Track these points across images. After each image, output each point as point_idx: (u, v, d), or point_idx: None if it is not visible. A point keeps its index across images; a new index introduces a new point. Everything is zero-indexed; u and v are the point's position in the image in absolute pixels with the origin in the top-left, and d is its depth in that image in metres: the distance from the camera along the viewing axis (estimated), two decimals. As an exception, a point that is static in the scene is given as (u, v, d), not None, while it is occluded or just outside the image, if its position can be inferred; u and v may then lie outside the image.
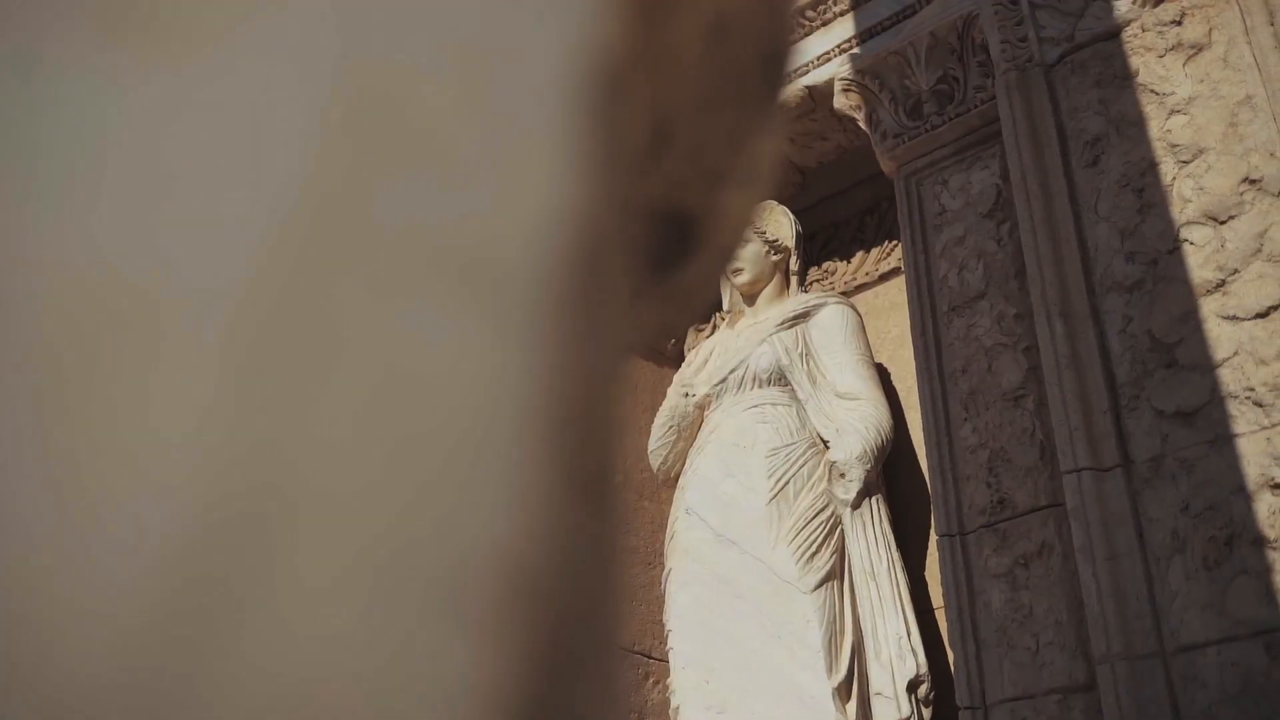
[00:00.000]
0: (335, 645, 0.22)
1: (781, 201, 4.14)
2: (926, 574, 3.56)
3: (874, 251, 4.18)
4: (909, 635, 3.20)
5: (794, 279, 3.92)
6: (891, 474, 3.68)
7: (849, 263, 4.27)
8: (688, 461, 3.74)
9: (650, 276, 0.71)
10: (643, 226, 0.69)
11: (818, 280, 4.31)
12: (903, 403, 3.79)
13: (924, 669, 3.16)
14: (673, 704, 3.46)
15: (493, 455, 0.26)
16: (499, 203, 0.29)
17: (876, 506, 3.40)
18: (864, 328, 3.78)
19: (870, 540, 3.34)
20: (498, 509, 0.25)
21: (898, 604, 3.25)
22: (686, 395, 3.80)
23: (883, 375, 3.86)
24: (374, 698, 0.22)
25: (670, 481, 3.84)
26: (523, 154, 0.31)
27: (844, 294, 4.15)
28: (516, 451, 0.26)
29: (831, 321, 3.70)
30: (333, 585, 0.23)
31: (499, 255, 0.29)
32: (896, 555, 3.36)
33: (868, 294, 4.15)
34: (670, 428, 3.83)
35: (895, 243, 3.95)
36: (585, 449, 0.39)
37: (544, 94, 0.32)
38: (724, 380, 3.72)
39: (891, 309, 4.01)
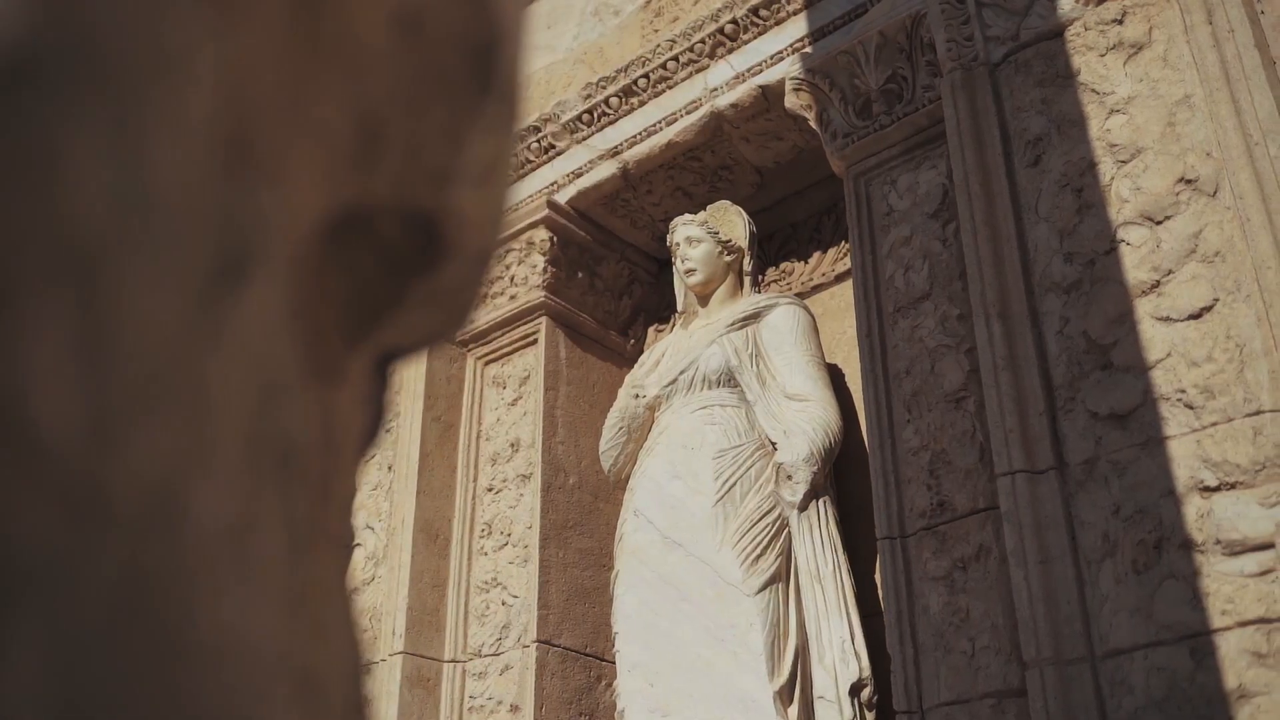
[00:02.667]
0: None
1: (739, 202, 4.13)
2: (877, 576, 3.53)
3: (830, 252, 4.16)
4: (852, 638, 3.18)
5: (747, 279, 3.90)
6: (843, 476, 3.66)
7: (806, 263, 4.25)
8: (637, 463, 3.72)
9: (404, 281, 0.68)
10: (389, 228, 0.66)
11: (775, 281, 4.29)
12: (856, 404, 3.77)
13: (867, 672, 3.13)
14: (618, 707, 3.44)
15: None
16: None
17: (824, 508, 3.37)
18: (816, 328, 3.76)
19: (816, 542, 3.31)
20: None
21: (842, 607, 3.23)
22: (637, 396, 3.78)
23: (837, 376, 3.84)
24: None
25: (622, 483, 3.82)
26: None
27: (800, 295, 4.13)
28: None
29: (782, 322, 3.68)
30: None
31: None
32: (843, 557, 3.33)
33: (824, 295, 4.12)
34: (620, 429, 3.81)
35: (852, 243, 3.92)
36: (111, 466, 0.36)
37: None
38: (674, 381, 3.70)
39: (848, 310, 3.98)
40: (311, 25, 0.58)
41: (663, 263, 4.52)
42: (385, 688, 3.82)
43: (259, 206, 0.55)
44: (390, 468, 4.26)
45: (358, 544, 4.24)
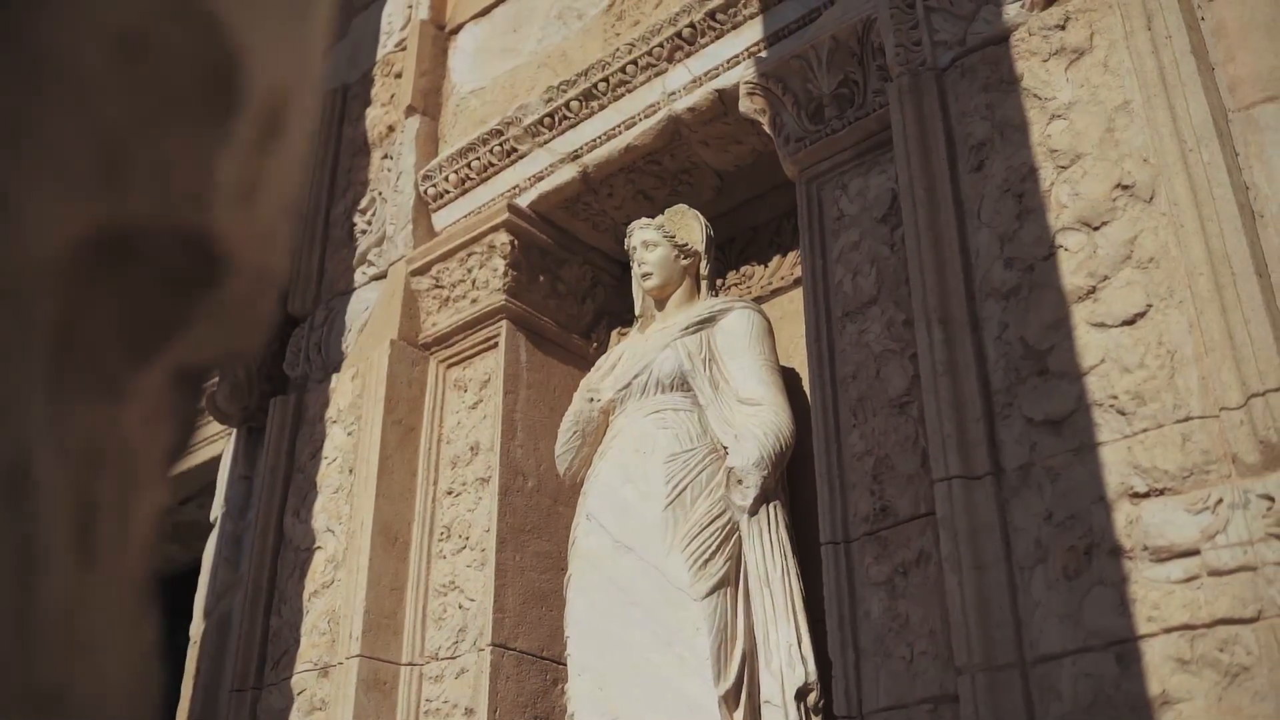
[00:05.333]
0: None
1: (700, 205, 4.13)
2: (830, 581, 3.53)
3: (790, 256, 4.16)
4: (799, 643, 3.17)
5: (704, 283, 3.90)
6: (797, 480, 3.65)
7: (766, 267, 4.25)
8: (591, 466, 3.72)
9: (188, 299, 0.68)
10: (160, 248, 0.66)
11: (736, 284, 4.29)
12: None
13: (813, 677, 3.13)
14: (569, 711, 3.44)
15: None
16: None
17: (774, 513, 3.37)
18: (771, 332, 3.76)
19: (766, 547, 3.31)
20: None
21: (790, 611, 3.22)
22: (591, 400, 3.78)
23: (793, 380, 3.83)
24: None
25: (578, 486, 3.82)
26: None
27: (759, 298, 4.13)
28: None
29: (736, 326, 3.68)
30: None
31: None
32: (792, 562, 3.33)
33: (783, 298, 4.12)
34: (575, 432, 3.81)
35: (811, 247, 3.91)
36: None
37: None
38: (628, 385, 3.70)
39: (806, 313, 3.98)
40: (25, 53, 0.58)
41: (626, 266, 4.51)
42: (341, 691, 3.82)
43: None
44: (351, 470, 4.26)
45: (318, 547, 4.25)
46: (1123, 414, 2.48)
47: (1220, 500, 2.27)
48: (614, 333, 4.59)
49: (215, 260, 0.64)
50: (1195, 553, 2.27)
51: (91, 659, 0.61)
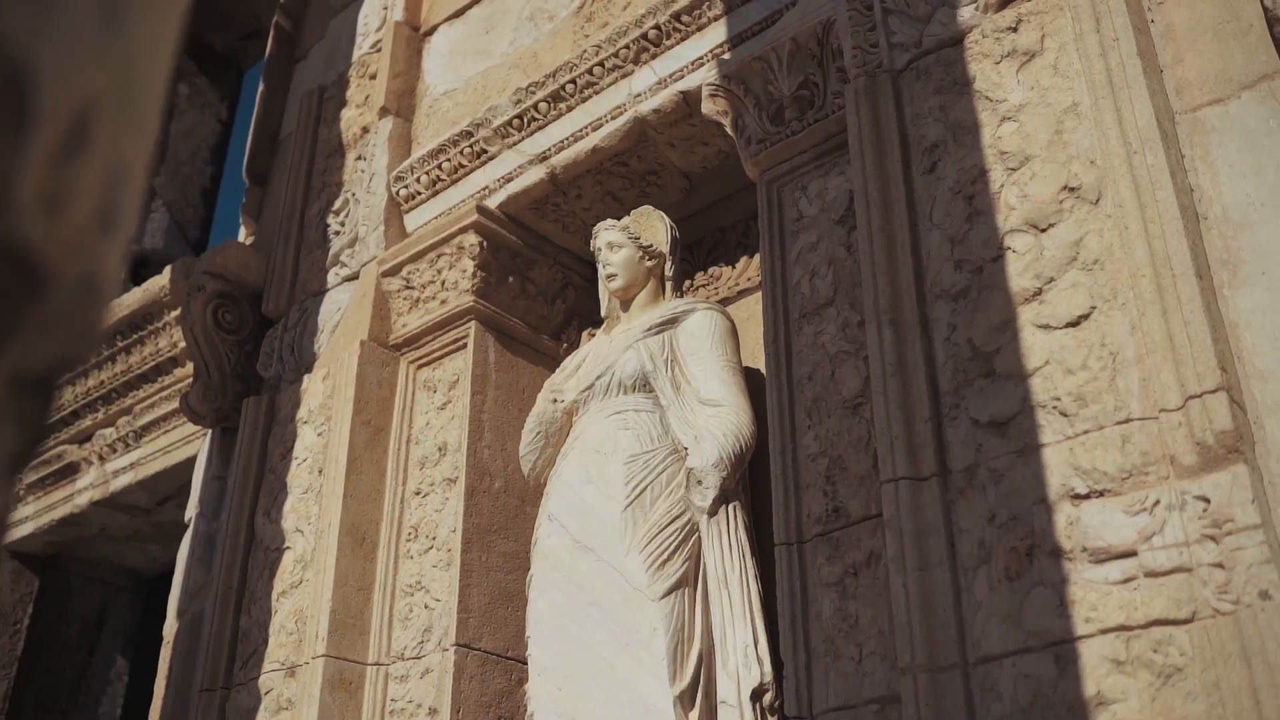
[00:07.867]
0: None
1: (668, 206, 4.14)
2: (791, 581, 3.53)
3: (757, 257, 4.16)
4: (756, 643, 3.17)
5: (669, 284, 3.90)
6: (761, 481, 3.66)
7: (734, 268, 4.26)
8: (554, 467, 3.73)
9: (16, 307, 0.69)
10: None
11: (704, 285, 4.30)
12: (777, 409, 3.76)
13: (769, 677, 3.13)
14: (528, 711, 3.45)
15: None
16: None
17: (733, 514, 3.37)
18: (734, 333, 3.76)
19: (725, 547, 3.32)
20: None
21: (747, 612, 3.23)
22: (555, 401, 3.79)
23: (758, 381, 3.84)
24: None
25: (541, 486, 3.83)
26: None
27: (726, 300, 4.14)
28: None
29: (699, 327, 3.68)
30: None
31: None
32: (750, 563, 3.33)
33: (749, 299, 4.12)
34: (538, 433, 3.82)
35: (777, 248, 3.91)
36: None
37: None
38: (590, 386, 3.70)
39: (773, 314, 3.98)
40: None
41: (596, 267, 4.52)
42: (307, 691, 3.83)
43: None
44: (321, 471, 4.27)
45: (287, 547, 4.25)
46: (1065, 415, 2.48)
47: (1158, 502, 2.27)
48: (585, 333, 4.59)
49: (31, 270, 0.65)
50: (1133, 554, 2.27)
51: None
